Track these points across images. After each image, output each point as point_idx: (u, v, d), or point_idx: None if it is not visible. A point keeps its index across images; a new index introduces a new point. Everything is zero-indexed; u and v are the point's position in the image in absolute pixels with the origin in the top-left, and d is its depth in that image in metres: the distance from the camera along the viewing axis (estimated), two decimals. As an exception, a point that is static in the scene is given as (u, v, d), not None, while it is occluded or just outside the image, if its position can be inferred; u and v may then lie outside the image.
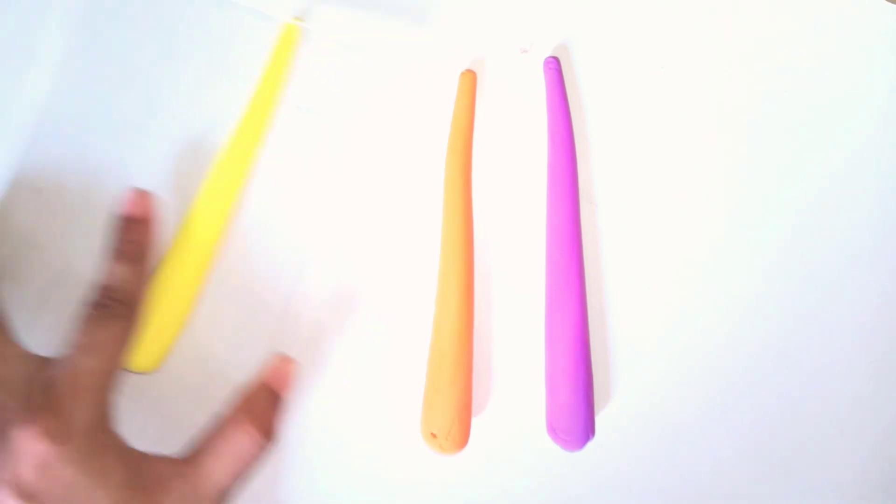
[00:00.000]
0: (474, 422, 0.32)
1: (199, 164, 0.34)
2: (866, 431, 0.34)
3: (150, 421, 0.32)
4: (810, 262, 0.35)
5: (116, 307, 0.28)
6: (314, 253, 0.34)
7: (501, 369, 0.34)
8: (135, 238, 0.30)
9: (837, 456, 0.33)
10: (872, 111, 0.35)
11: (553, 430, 0.32)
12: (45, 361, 0.27)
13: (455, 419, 0.31)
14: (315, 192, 0.35)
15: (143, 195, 0.31)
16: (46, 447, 0.24)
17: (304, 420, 0.33)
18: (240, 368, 0.32)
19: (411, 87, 0.36)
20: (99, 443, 0.26)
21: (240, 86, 0.34)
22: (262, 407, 0.29)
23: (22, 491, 0.24)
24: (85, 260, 0.32)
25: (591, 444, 0.32)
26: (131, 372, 0.31)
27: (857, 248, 0.35)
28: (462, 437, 0.31)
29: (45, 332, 0.31)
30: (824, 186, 0.35)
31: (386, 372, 0.33)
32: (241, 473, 0.28)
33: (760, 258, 0.35)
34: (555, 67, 0.35)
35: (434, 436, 0.31)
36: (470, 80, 0.35)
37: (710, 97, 0.36)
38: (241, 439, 0.28)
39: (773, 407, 0.34)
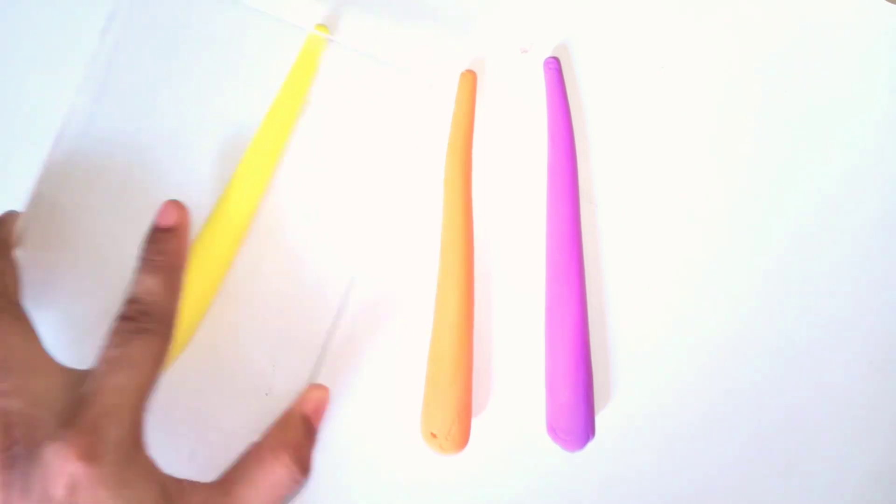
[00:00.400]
0: (474, 422, 0.32)
1: (221, 172, 0.34)
2: (868, 432, 0.34)
3: (157, 419, 0.32)
4: (811, 262, 0.35)
5: (146, 321, 0.27)
6: (319, 255, 0.34)
7: (501, 369, 0.33)
8: (167, 248, 0.29)
9: (839, 456, 0.33)
10: (872, 111, 0.35)
11: (553, 430, 0.32)
12: (77, 375, 0.27)
13: (455, 419, 0.31)
14: (322, 193, 0.35)
15: (176, 205, 0.30)
16: (78, 466, 0.24)
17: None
18: (248, 372, 0.32)
19: (411, 86, 0.36)
20: (131, 464, 0.25)
21: (266, 93, 0.34)
22: (298, 438, 0.28)
23: None
24: (118, 266, 0.32)
25: (591, 444, 0.32)
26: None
27: (857, 247, 0.35)
28: (462, 437, 0.31)
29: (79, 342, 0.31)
30: (824, 186, 0.35)
31: (386, 372, 0.33)
32: None
33: (760, 258, 0.35)
34: (555, 67, 0.35)
35: (434, 436, 0.31)
36: (470, 80, 0.35)
37: (710, 97, 0.36)
38: (278, 471, 0.27)
39: (773, 407, 0.34)
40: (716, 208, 0.35)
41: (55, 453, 0.24)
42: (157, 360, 0.27)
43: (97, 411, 0.25)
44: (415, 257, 0.34)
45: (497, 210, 0.35)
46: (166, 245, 0.29)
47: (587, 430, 0.32)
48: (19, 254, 0.31)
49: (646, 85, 0.36)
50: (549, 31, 0.36)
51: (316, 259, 0.34)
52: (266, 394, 0.33)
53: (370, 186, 0.35)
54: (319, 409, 0.30)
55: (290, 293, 0.34)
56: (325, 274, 0.34)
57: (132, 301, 0.28)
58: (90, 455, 0.24)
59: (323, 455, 0.32)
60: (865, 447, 0.34)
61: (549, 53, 0.36)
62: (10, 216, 0.31)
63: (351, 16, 0.36)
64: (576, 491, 0.33)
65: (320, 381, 0.33)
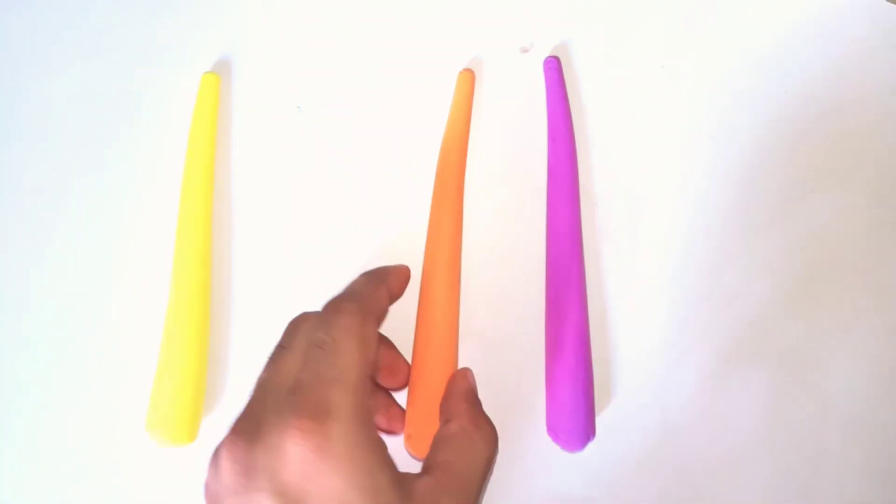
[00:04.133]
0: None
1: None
2: (869, 433, 0.33)
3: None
4: (811, 262, 0.34)
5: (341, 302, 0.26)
6: (308, 266, 0.33)
7: (501, 370, 0.33)
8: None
9: (839, 457, 0.32)
10: (872, 111, 0.35)
11: (553, 431, 0.31)
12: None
13: (436, 421, 0.30)
14: (307, 197, 0.34)
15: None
16: (307, 451, 0.21)
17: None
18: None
19: (410, 84, 0.36)
20: (362, 449, 0.22)
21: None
22: (477, 411, 0.27)
23: (283, 494, 0.21)
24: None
25: (591, 445, 0.31)
26: (171, 446, 0.30)
27: (856, 247, 0.34)
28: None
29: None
30: (824, 186, 0.35)
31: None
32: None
33: (762, 257, 0.34)
34: (555, 67, 0.35)
35: (410, 437, 0.29)
36: (468, 79, 0.35)
37: (710, 97, 0.36)
38: (482, 446, 0.26)
39: (775, 407, 0.33)
40: (717, 208, 0.35)
41: (284, 436, 0.21)
42: (358, 337, 0.25)
43: (317, 392, 0.23)
44: (404, 257, 0.33)
45: (497, 209, 0.34)
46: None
47: (587, 431, 0.30)
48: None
49: (646, 85, 0.36)
50: (549, 31, 0.36)
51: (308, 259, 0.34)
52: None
53: (356, 184, 0.34)
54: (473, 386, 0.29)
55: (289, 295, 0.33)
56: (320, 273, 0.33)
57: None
58: (317, 438, 0.21)
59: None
60: (867, 448, 0.33)
61: (549, 53, 0.36)
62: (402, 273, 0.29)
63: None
64: (576, 491, 0.32)
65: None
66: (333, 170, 0.34)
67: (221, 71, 0.36)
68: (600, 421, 0.31)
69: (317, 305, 0.32)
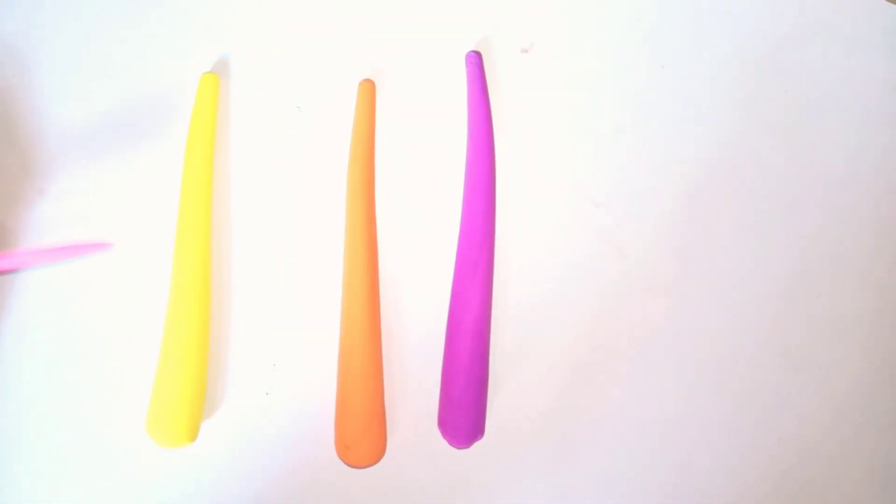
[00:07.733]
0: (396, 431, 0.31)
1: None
2: (868, 433, 0.33)
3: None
4: (810, 262, 0.34)
5: None
6: (308, 266, 0.34)
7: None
8: None
9: (839, 457, 0.32)
10: (872, 111, 0.35)
11: (442, 425, 0.31)
12: None
13: (367, 430, 0.30)
14: (306, 197, 0.34)
15: None
16: None
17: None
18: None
19: (410, 83, 0.36)
20: None
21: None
22: None
23: None
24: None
25: (478, 443, 0.31)
26: (171, 447, 0.30)
27: (854, 248, 0.34)
28: (375, 448, 0.30)
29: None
30: (822, 186, 0.35)
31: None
32: None
33: (760, 257, 0.34)
34: (475, 62, 0.34)
35: (347, 448, 0.30)
36: (369, 88, 0.35)
37: (710, 97, 0.35)
38: None
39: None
40: (715, 208, 0.35)
41: None
42: None
43: None
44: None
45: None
46: None
47: (475, 429, 0.30)
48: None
49: (645, 84, 0.36)
50: (550, 32, 0.36)
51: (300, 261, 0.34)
52: (266, 394, 0.32)
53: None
54: None
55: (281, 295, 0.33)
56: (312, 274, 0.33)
57: None
58: None
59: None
60: (867, 449, 0.33)
61: (548, 53, 0.36)
62: None
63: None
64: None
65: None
66: (333, 170, 0.34)
67: (221, 71, 0.36)
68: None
69: (317, 305, 0.33)
